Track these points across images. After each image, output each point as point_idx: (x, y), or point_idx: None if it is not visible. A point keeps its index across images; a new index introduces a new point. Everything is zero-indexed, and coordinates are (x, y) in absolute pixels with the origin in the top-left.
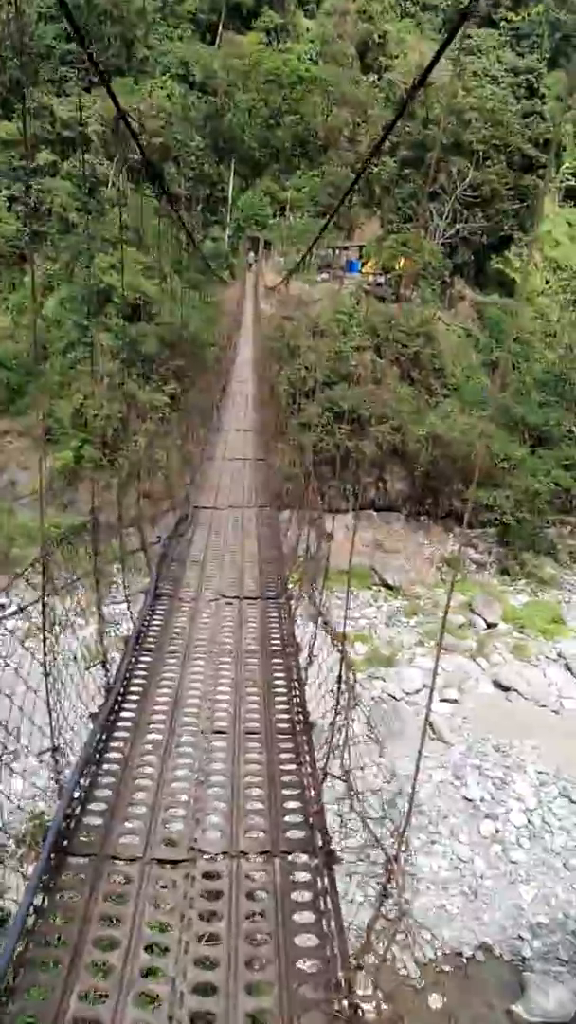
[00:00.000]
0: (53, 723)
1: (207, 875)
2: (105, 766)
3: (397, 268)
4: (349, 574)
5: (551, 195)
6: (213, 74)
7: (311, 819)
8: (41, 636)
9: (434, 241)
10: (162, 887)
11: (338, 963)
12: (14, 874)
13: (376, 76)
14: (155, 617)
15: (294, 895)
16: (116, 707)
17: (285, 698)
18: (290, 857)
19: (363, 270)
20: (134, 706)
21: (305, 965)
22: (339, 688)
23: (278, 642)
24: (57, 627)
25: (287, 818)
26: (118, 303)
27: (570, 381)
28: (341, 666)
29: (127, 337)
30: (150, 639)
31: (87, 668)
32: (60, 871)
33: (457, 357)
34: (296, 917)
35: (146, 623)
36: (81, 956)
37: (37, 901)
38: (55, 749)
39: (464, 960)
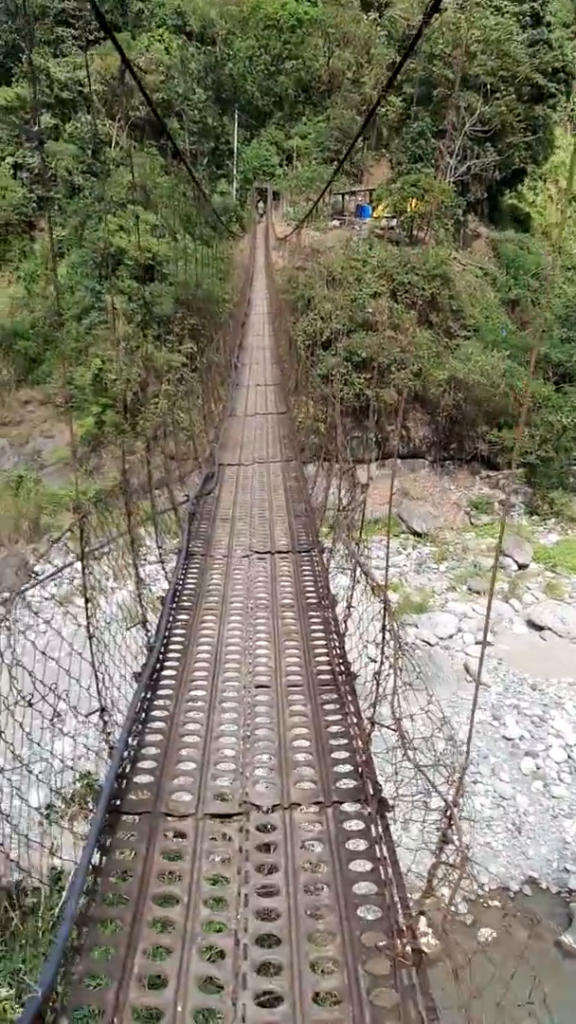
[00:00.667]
0: (99, 684)
1: (261, 828)
2: (152, 724)
3: (409, 210)
4: (389, 523)
5: (563, 125)
6: (210, 23)
7: (360, 768)
8: (83, 599)
9: (445, 180)
10: (217, 842)
11: (398, 909)
12: (64, 832)
13: (377, 14)
14: (189, 575)
15: (349, 844)
16: (158, 666)
17: (325, 650)
18: (342, 807)
19: (374, 214)
20: (176, 664)
21: (365, 912)
22: (384, 636)
23: (313, 595)
24: (97, 589)
25: (336, 768)
26: (130, 265)
27: None
28: (384, 614)
29: (141, 299)
30: (186, 597)
31: (128, 629)
32: (115, 830)
33: (474, 297)
34: (352, 866)
35: (181, 582)
36: (142, 913)
37: (95, 860)
38: (103, 710)
39: (511, 894)
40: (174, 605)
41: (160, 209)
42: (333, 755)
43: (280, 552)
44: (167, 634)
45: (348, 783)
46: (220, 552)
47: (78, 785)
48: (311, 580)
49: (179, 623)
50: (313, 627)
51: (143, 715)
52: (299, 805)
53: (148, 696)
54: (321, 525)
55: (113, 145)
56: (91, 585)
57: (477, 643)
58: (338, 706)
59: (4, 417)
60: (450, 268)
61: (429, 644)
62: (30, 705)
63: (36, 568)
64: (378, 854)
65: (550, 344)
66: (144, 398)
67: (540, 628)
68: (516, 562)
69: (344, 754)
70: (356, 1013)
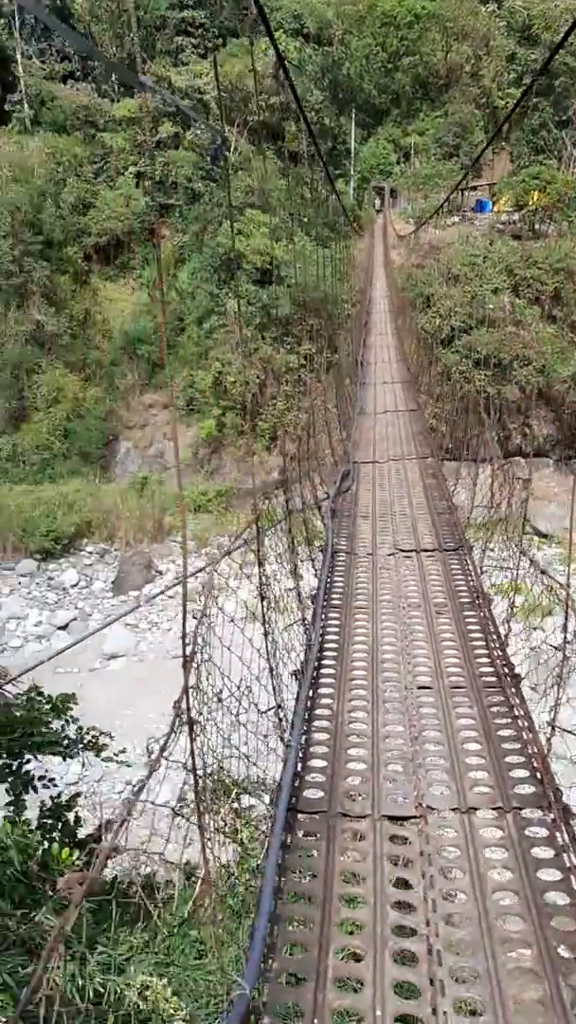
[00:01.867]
0: (274, 681)
1: (440, 831)
2: (317, 723)
3: (531, 203)
4: (571, 524)
5: None
6: (327, 23)
7: (539, 774)
8: (258, 598)
9: (569, 170)
10: (396, 844)
11: None
12: (193, 827)
13: (495, 5)
14: (336, 573)
15: (534, 851)
16: (318, 664)
17: (485, 651)
18: (522, 812)
19: (495, 208)
20: (333, 663)
21: (560, 923)
22: (564, 639)
23: (466, 594)
24: (269, 586)
25: (512, 773)
26: (248, 269)
27: None
28: (566, 617)
29: (259, 301)
30: (336, 595)
31: (288, 627)
32: (294, 829)
33: None
34: (541, 874)
35: (329, 580)
36: (330, 915)
37: (279, 859)
38: (279, 707)
39: None
40: (325, 602)
41: (278, 212)
42: (507, 759)
43: (426, 551)
44: (323, 632)
45: (526, 788)
46: (364, 550)
47: (209, 781)
48: (462, 579)
49: (332, 621)
50: (470, 627)
51: (308, 714)
52: (477, 809)
53: (311, 695)
54: (467, 524)
55: (232, 150)
56: (265, 583)
57: None
58: (506, 709)
59: (128, 420)
60: (575, 261)
61: (555, 649)
62: (219, 701)
63: (160, 567)
64: (567, 863)
65: None
66: (263, 399)
67: None
68: None
69: (518, 758)
70: None
